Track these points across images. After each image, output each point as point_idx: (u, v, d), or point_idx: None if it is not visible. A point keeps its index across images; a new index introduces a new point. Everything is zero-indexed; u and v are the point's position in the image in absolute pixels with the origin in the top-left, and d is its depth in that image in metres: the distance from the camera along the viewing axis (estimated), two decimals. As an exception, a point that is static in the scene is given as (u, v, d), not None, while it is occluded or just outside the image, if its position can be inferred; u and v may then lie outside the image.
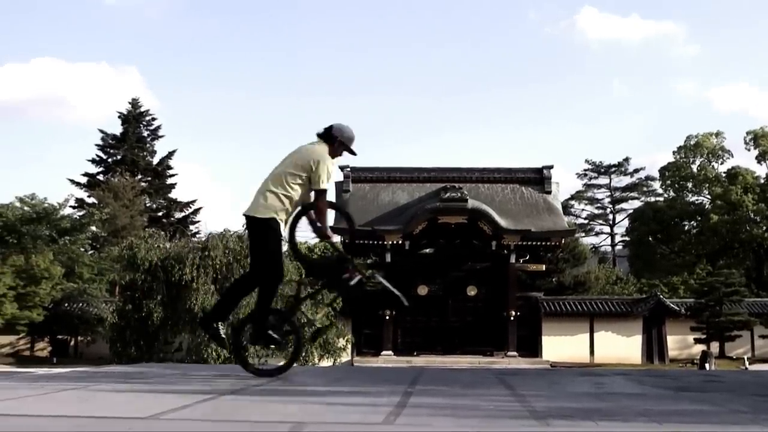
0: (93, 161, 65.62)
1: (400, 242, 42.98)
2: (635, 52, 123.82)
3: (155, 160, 66.72)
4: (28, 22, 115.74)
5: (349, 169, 47.26)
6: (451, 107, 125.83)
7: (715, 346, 46.78)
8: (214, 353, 31.11)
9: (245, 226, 7.42)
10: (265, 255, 7.34)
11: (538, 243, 43.94)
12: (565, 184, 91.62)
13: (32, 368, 21.95)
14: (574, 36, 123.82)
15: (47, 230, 51.89)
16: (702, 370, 35.28)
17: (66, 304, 45.58)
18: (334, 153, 7.28)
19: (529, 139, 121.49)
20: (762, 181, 66.94)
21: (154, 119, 67.56)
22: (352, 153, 7.36)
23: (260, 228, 7.20)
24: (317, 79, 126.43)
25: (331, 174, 7.18)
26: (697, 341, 46.88)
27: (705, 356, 42.23)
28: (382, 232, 42.76)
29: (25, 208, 52.62)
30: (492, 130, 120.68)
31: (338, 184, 47.38)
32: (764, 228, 64.55)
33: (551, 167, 48.10)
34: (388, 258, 43.79)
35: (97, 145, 65.90)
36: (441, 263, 44.74)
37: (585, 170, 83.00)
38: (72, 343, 47.84)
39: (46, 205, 52.97)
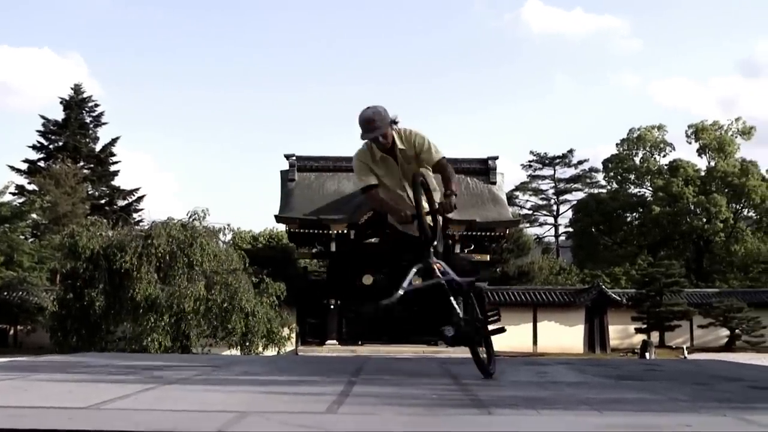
0: (34, 147, 64.52)
1: (345, 231, 42.95)
2: (579, 45, 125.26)
3: (98, 147, 65.76)
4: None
5: (294, 158, 47.10)
6: (394, 96, 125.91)
7: (655, 336, 47.51)
8: (156, 343, 30.91)
9: None
10: None
11: (483, 233, 44.16)
12: (510, 175, 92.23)
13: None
14: (518, 29, 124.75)
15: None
16: (642, 359, 35.82)
17: (5, 293, 44.79)
18: (368, 147, 6.70)
19: (474, 129, 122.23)
20: (702, 173, 68.03)
21: (96, 105, 66.60)
22: (373, 140, 6.50)
23: None
24: (260, 67, 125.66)
25: (358, 175, 6.92)
26: (638, 331, 47.59)
27: (645, 345, 42.94)
28: (328, 222, 42.69)
29: (-37, 194, 51.65)
30: (436, 121, 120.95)
31: (284, 173, 47.17)
32: (704, 220, 65.60)
33: (496, 158, 48.37)
34: (333, 247, 43.75)
35: (38, 131, 64.83)
36: (386, 252, 44.76)
37: (530, 161, 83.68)
38: (11, 332, 47.09)
39: (-15, 192, 52.05)
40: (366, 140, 6.52)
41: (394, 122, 6.46)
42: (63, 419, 4.07)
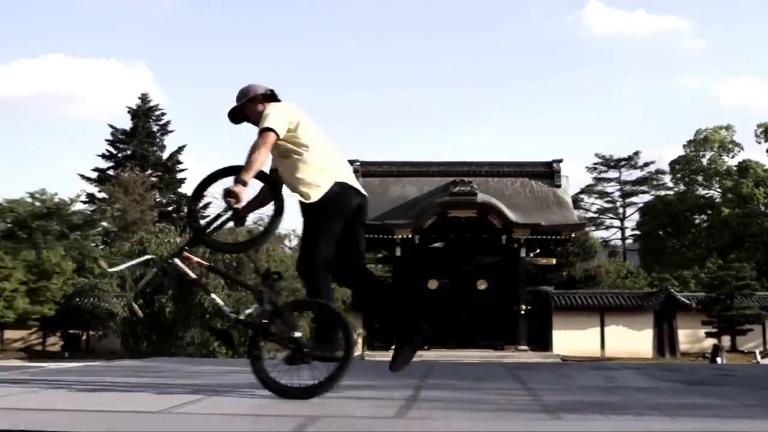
0: (103, 156, 65.70)
1: (409, 236, 42.93)
2: (642, 47, 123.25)
3: (165, 155, 66.76)
4: (37, 19, 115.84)
5: (358, 163, 47.23)
6: (458, 103, 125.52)
7: (726, 340, 46.67)
8: (223, 348, 31.21)
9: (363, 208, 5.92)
10: None
11: (548, 237, 43.82)
12: (574, 178, 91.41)
13: (44, 363, 22.04)
14: (579, 31, 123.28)
15: (58, 225, 52.03)
16: (713, 363, 35.23)
17: (77, 299, 45.70)
18: None
19: (538, 133, 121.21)
20: (773, 174, 66.65)
21: (163, 114, 67.63)
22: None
23: None
24: (326, 73, 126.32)
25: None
26: (708, 335, 46.76)
27: (716, 350, 42.20)
28: (392, 227, 42.70)
29: (36, 203, 52.74)
30: (500, 125, 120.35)
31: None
32: (775, 221, 64.27)
33: (561, 161, 47.98)
34: (398, 252, 43.77)
35: (107, 140, 66.02)
36: (451, 257, 44.70)
37: (595, 164, 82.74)
38: (84, 337, 47.99)
39: (57, 200, 53.12)
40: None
41: (271, 98, 5.94)
42: (137, 423, 4.15)
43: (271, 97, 5.89)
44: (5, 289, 41.74)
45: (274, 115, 5.59)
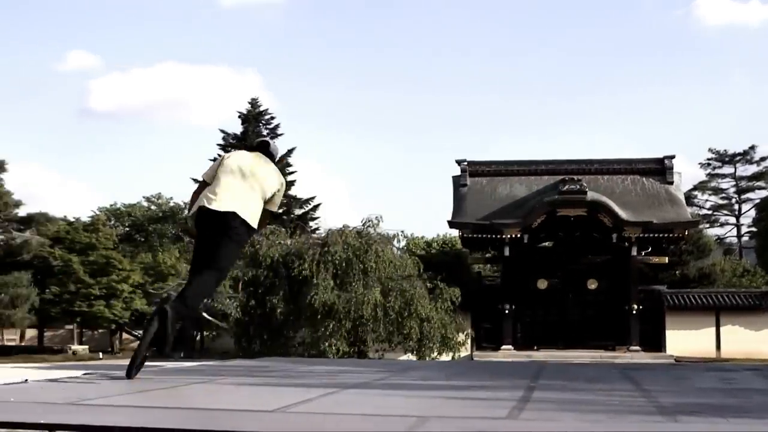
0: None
1: (518, 236, 42.59)
2: (755, 36, 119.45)
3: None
4: (151, 29, 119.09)
5: (466, 163, 47.11)
6: (568, 102, 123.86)
7: None
8: (333, 348, 31.52)
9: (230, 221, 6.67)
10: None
11: (660, 235, 42.94)
12: (687, 174, 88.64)
13: (160, 362, 22.61)
14: (690, 24, 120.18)
15: (173, 228, 53.45)
16: (836, 365, 33.97)
17: (191, 300, 46.70)
18: None
19: (649, 128, 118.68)
20: None
21: (272, 118, 68.59)
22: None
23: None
24: (435, 73, 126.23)
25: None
26: (832, 335, 45.17)
27: (840, 350, 40.68)
28: (501, 226, 42.46)
29: (152, 207, 54.34)
30: (611, 123, 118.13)
31: (455, 178, 47.24)
32: None
33: (673, 157, 46.95)
34: (507, 252, 43.47)
35: (218, 144, 67.23)
36: (560, 256, 44.23)
37: (708, 159, 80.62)
38: (198, 338, 49.11)
39: (172, 204, 54.61)
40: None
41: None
42: (253, 422, 4.21)
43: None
44: (123, 290, 43.05)
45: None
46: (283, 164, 67.08)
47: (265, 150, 7.26)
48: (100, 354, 42.96)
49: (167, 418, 4.27)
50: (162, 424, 3.93)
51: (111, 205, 55.64)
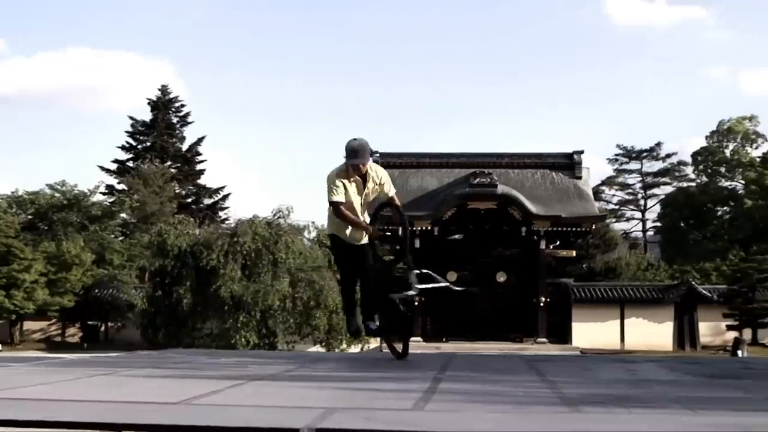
0: (123, 148, 65.94)
1: (429, 228, 42.86)
2: (664, 37, 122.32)
3: (184, 147, 66.95)
4: (59, 11, 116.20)
5: (378, 155, 47.19)
6: (478, 95, 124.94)
7: (747, 333, 46.39)
8: (242, 339, 31.33)
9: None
10: None
11: (569, 229, 43.68)
12: (595, 169, 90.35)
13: (64, 354, 22.16)
14: (600, 22, 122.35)
15: (77, 217, 52.35)
16: (734, 357, 35.06)
17: (96, 291, 45.90)
18: (346, 169, 7.94)
19: (559, 125, 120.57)
20: (798, 165, 66.14)
21: (183, 105, 67.78)
22: (354, 165, 7.87)
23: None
24: (346, 64, 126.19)
25: (331, 188, 7.92)
26: (730, 328, 46.49)
27: (737, 343, 41.96)
28: (411, 218, 42.63)
29: (56, 194, 53.09)
30: (521, 117, 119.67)
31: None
32: (800, 213, 63.74)
33: (582, 152, 47.77)
34: (417, 244, 43.62)
35: (127, 132, 66.29)
36: (470, 249, 44.63)
37: (616, 155, 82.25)
38: (102, 328, 48.24)
39: (77, 191, 53.45)
40: (349, 163, 7.82)
41: (372, 153, 8.33)
42: (156, 414, 4.16)
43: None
44: (25, 280, 42.00)
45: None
46: (192, 153, 66.40)
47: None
48: (-1, 345, 41.87)
49: (66, 410, 4.18)
50: (60, 417, 3.85)
51: (12, 193, 54.25)
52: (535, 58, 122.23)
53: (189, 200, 64.78)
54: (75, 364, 7.54)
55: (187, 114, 67.56)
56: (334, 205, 7.94)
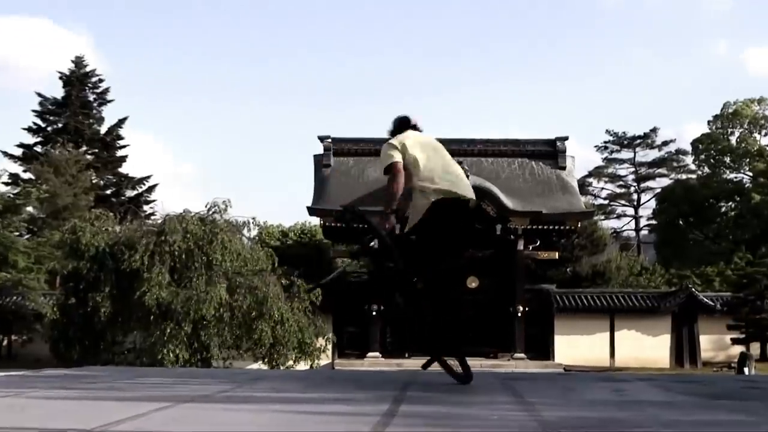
0: (30, 130, 65.11)
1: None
2: (659, 11, 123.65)
3: (103, 129, 66.27)
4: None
5: (330, 140, 47.13)
6: (451, 72, 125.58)
7: (755, 347, 47.00)
8: (171, 355, 31.12)
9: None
10: None
11: (551, 227, 43.94)
12: (582, 158, 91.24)
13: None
14: (588, 1, 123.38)
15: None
16: (740, 374, 35.48)
17: (-3, 298, 45.48)
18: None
19: (541, 107, 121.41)
20: (812, 155, 67.11)
21: (101, 81, 66.99)
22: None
23: None
24: (293, 43, 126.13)
25: (383, 159, 8.26)
26: (735, 341, 47.11)
27: (744, 359, 42.42)
28: (369, 214, 42.65)
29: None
30: (499, 98, 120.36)
31: (317, 158, 47.18)
32: (814, 210, 64.66)
33: (566, 138, 48.04)
34: (375, 243, 43.71)
35: (34, 111, 65.39)
36: (437, 250, 44.69)
37: (605, 142, 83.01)
38: (5, 342, 47.77)
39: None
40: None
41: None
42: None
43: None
44: None
45: None
46: (112, 137, 65.84)
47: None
48: None
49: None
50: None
51: None
52: (516, 33, 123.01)
53: (108, 192, 64.18)
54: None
55: (106, 91, 66.85)
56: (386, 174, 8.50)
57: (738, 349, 45.88)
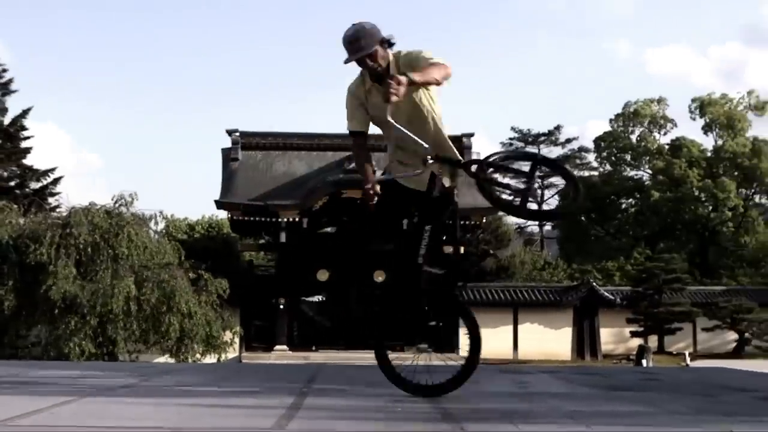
0: None
1: (297, 219, 42.79)
2: (563, 9, 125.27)
3: (6, 120, 64.93)
4: None
5: (238, 133, 46.80)
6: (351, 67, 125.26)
7: (653, 340, 47.84)
8: (77, 348, 30.68)
9: None
10: None
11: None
12: (487, 154, 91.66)
13: None
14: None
15: None
16: (638, 366, 36.13)
17: None
18: (361, 76, 6.18)
19: (446, 103, 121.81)
20: (708, 154, 68.44)
21: (4, 70, 65.55)
22: (359, 62, 5.90)
23: None
24: (197, 30, 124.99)
25: (346, 103, 6.27)
26: (634, 334, 47.89)
27: (642, 351, 43.24)
28: (276, 208, 42.52)
29: None
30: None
31: (225, 151, 46.81)
32: (710, 207, 65.93)
33: (472, 135, 48.26)
34: (283, 237, 43.58)
35: (-68, 100, 63.88)
36: (343, 244, 44.74)
37: (510, 139, 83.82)
38: None
39: None
40: (360, 68, 6.03)
41: (389, 43, 5.97)
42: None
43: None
44: None
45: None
46: (16, 127, 64.51)
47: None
48: None
49: None
50: None
51: None
52: (418, 25, 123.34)
53: (12, 184, 62.77)
54: None
55: (10, 81, 65.44)
56: (352, 137, 6.43)
57: (637, 341, 46.76)
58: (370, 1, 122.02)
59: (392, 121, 5.78)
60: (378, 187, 6.10)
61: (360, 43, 5.80)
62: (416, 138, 5.86)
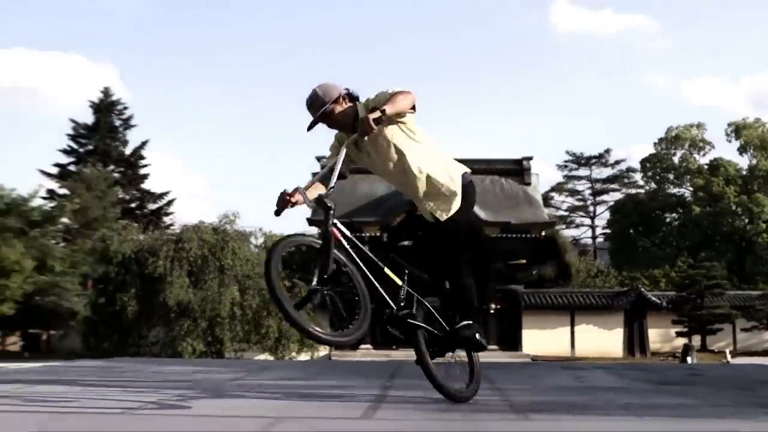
0: (64, 151, 65.00)
1: (378, 234, 42.89)
2: (610, 45, 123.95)
3: (128, 151, 66.18)
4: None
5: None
6: (428, 100, 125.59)
7: (696, 340, 47.08)
8: (189, 347, 31.09)
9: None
10: None
11: (518, 235, 43.97)
12: (545, 175, 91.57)
13: (3, 363, 21.87)
14: (547, 29, 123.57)
15: (17, 222, 51.50)
16: (683, 363, 35.54)
17: (37, 298, 45.20)
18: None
19: (508, 130, 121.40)
20: (744, 172, 67.35)
21: (125, 108, 66.92)
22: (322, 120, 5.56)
23: None
24: (288, 68, 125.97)
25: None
26: (679, 334, 47.16)
27: (686, 349, 42.53)
28: (360, 224, 42.65)
29: (-6, 199, 52.19)
30: (471, 123, 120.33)
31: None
32: (746, 220, 64.86)
33: (531, 158, 48.10)
34: (366, 250, 43.67)
35: (68, 135, 65.25)
36: (420, 256, 44.70)
37: (565, 162, 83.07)
38: (44, 337, 47.56)
39: (15, 196, 52.58)
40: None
41: (351, 96, 5.55)
42: (101, 424, 4.13)
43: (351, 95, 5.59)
44: (-39, 287, 41.27)
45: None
46: (136, 157, 65.74)
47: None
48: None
49: (3, 421, 4.15)
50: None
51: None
52: (483, 66, 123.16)
53: (133, 205, 63.98)
54: (14, 373, 7.45)
55: (130, 117, 66.76)
56: None
57: (682, 341, 46.01)
58: (446, 39, 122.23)
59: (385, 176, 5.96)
60: (299, 197, 5.69)
61: (316, 102, 5.43)
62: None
